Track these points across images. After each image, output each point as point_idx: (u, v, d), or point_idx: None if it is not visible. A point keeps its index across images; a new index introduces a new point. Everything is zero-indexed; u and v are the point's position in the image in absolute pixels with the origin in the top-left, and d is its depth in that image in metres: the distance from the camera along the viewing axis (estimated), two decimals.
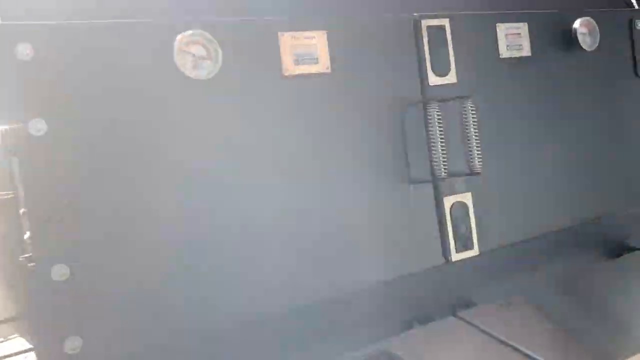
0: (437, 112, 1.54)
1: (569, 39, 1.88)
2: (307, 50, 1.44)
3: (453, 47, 1.67)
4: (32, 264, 1.16)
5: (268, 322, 1.41)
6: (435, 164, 1.55)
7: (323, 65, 1.46)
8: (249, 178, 1.38)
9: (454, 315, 1.66)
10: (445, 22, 1.66)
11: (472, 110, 1.59)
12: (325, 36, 1.46)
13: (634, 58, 2.03)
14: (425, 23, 1.63)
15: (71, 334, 1.17)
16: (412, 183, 1.59)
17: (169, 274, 1.28)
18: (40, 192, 1.16)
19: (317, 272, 1.47)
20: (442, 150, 1.55)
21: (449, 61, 1.66)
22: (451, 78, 1.67)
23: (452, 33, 1.67)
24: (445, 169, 1.54)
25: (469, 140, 1.60)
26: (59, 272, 1.16)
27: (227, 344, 1.38)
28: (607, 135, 1.97)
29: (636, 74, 2.05)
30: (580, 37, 1.89)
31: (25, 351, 1.36)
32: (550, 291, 1.73)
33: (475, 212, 1.69)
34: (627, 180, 1.99)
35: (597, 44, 1.91)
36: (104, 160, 1.22)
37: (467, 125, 1.59)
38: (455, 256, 1.67)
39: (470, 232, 1.69)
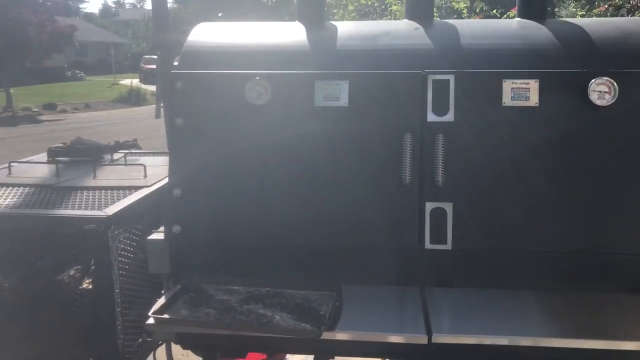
0: (409, 140, 2.23)
1: (582, 95, 2.21)
2: (332, 92, 2.33)
3: (455, 95, 2.27)
4: (167, 186, 2.42)
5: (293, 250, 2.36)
6: (403, 175, 2.24)
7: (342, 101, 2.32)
8: (289, 172, 2.35)
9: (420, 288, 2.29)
10: (450, 77, 2.29)
11: (442, 141, 2.21)
12: (347, 84, 2.32)
13: None
14: (431, 77, 2.29)
15: (176, 223, 2.38)
16: (402, 187, 2.30)
17: (235, 205, 2.37)
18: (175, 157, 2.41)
19: (329, 228, 2.35)
20: (409, 166, 2.22)
21: (448, 104, 2.28)
22: (449, 118, 2.28)
23: (455, 84, 2.28)
24: (409, 179, 2.23)
25: (436, 162, 2.22)
26: (177, 192, 2.39)
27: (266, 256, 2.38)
28: (607, 185, 2.22)
29: None
30: (594, 95, 2.20)
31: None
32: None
33: (453, 218, 2.27)
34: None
35: (612, 101, 2.19)
36: (209, 143, 2.39)
37: (437, 152, 2.22)
38: (429, 246, 2.29)
39: (446, 231, 2.28)
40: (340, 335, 2.00)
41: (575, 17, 9.87)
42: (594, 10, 6.03)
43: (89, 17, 77.09)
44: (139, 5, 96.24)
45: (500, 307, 2.14)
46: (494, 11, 9.80)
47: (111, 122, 20.79)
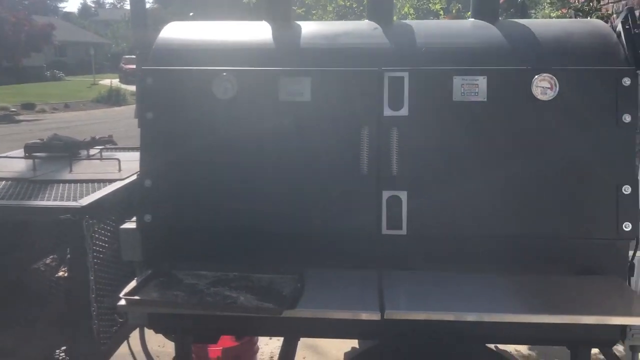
0: (367, 132, 2.38)
1: (526, 90, 2.39)
2: (296, 88, 2.48)
3: (409, 91, 2.43)
4: (138, 179, 2.55)
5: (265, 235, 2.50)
6: (361, 165, 2.40)
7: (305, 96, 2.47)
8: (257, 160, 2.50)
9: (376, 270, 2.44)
10: (405, 74, 2.44)
11: (397, 134, 2.37)
12: (309, 80, 2.47)
13: None
14: (387, 74, 2.45)
15: (147, 213, 2.51)
16: (361, 176, 2.45)
17: (204, 194, 2.50)
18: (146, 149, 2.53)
19: (293, 215, 2.49)
20: (367, 157, 2.38)
21: (403, 99, 2.44)
22: (404, 112, 2.44)
23: (410, 81, 2.43)
24: (366, 169, 2.38)
25: (391, 153, 2.38)
26: (147, 183, 2.51)
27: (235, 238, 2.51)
28: (551, 173, 2.40)
29: None
30: (538, 90, 2.38)
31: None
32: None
33: (408, 205, 2.43)
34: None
35: (554, 96, 2.36)
36: (178, 135, 2.52)
37: (391, 144, 2.38)
38: (386, 231, 2.45)
39: (401, 217, 2.43)
40: (300, 313, 2.14)
41: (549, 18, 10.15)
42: (556, 12, 6.28)
43: (67, 16, 76.47)
44: (118, 5, 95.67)
45: (449, 288, 2.30)
46: (469, 13, 10.03)
47: (91, 122, 20.72)
